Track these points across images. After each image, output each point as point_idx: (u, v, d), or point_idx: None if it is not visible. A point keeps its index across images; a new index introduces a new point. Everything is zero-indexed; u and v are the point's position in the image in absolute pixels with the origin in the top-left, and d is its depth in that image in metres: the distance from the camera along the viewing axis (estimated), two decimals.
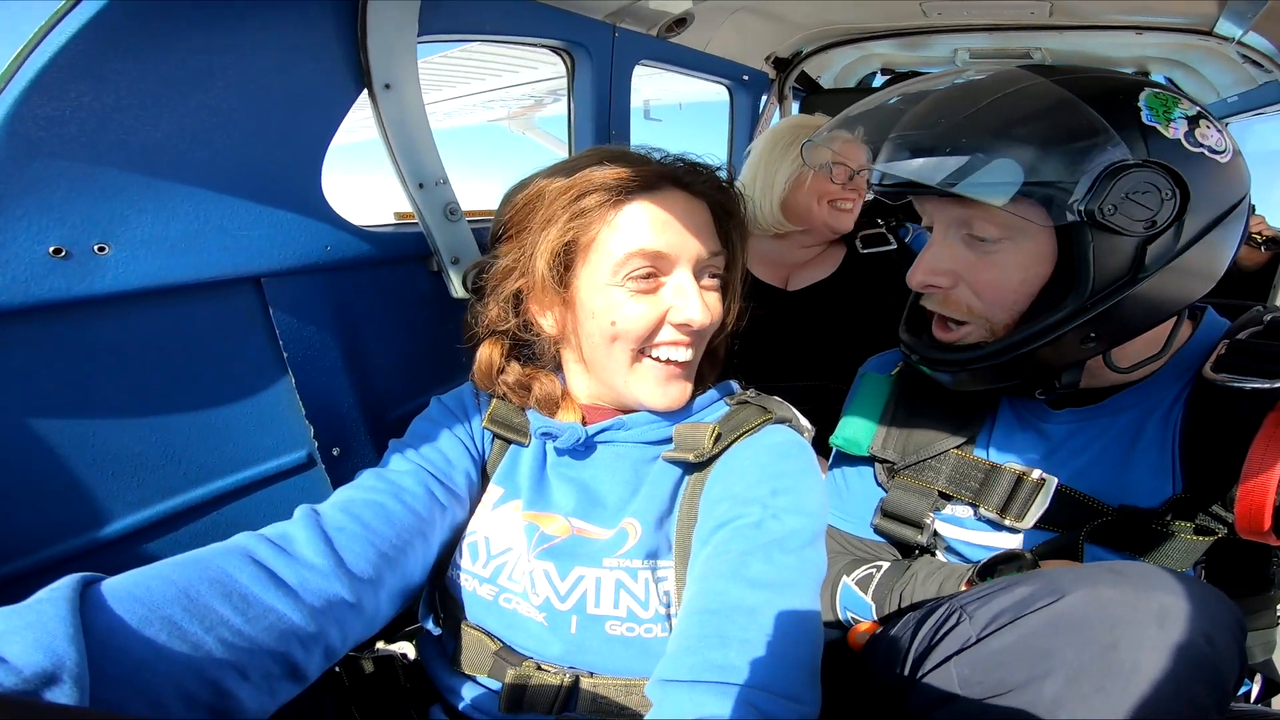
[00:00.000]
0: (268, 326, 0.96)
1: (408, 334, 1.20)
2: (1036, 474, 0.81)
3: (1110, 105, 0.68)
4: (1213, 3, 1.45)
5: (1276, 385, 0.68)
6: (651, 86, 1.81)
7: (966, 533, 0.88)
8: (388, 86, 1.06)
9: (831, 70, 2.62)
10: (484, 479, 0.89)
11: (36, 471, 0.78)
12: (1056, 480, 0.80)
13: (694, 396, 0.86)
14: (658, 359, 0.81)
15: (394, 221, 1.26)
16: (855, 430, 0.96)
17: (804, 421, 0.88)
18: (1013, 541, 0.84)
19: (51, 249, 0.73)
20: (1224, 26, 1.57)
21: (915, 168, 0.72)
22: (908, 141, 0.74)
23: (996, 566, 0.77)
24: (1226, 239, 0.72)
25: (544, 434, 0.86)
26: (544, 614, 0.78)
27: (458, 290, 1.24)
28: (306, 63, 0.94)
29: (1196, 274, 0.71)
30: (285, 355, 0.98)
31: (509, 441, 0.89)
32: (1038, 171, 0.67)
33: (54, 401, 0.78)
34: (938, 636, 0.63)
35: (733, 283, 0.87)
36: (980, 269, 0.76)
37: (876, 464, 0.96)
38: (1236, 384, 0.70)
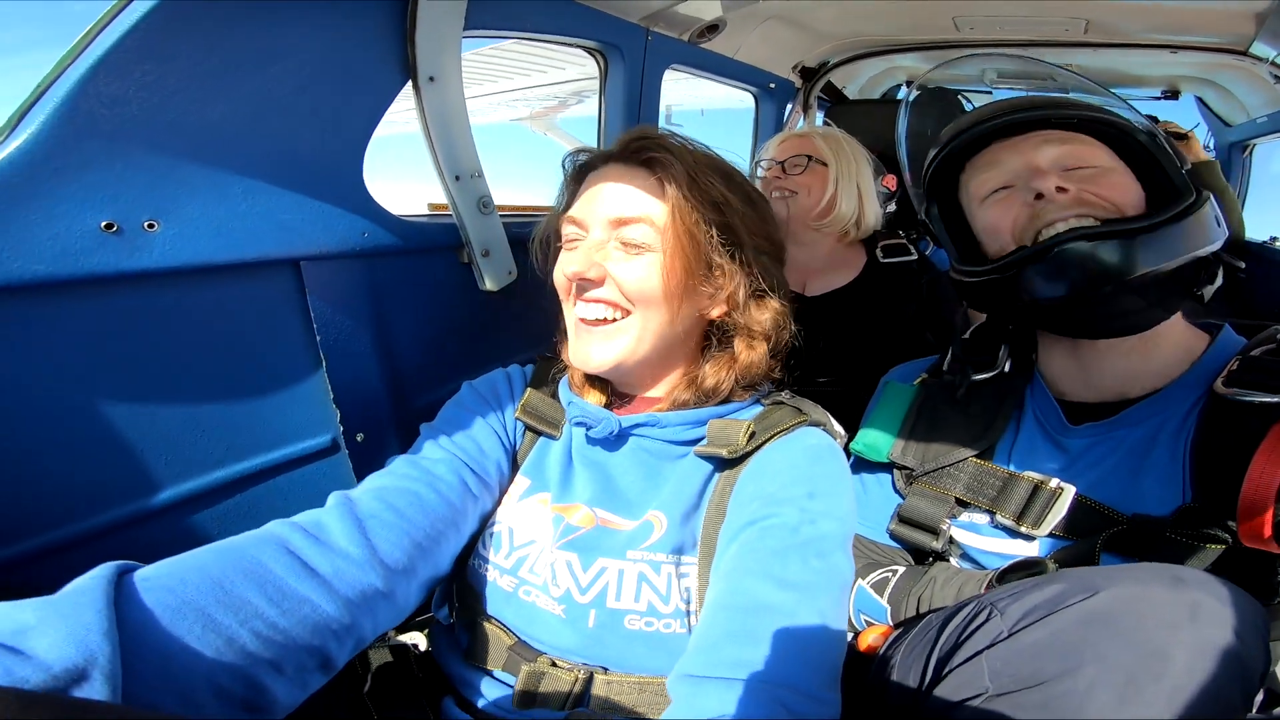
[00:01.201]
0: (304, 309, 0.98)
1: (435, 323, 1.22)
2: (1054, 483, 0.82)
3: None
4: (1250, 22, 1.46)
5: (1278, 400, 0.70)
6: (675, 92, 1.84)
7: (982, 539, 0.88)
8: (432, 79, 1.08)
9: (857, 81, 2.65)
10: (513, 469, 0.90)
11: (75, 442, 0.79)
12: (1074, 489, 0.81)
13: (698, 394, 0.85)
14: (575, 316, 0.85)
15: (428, 212, 1.27)
16: (875, 437, 0.98)
17: (837, 426, 0.89)
18: (1028, 549, 0.84)
19: (103, 224, 0.75)
20: (1259, 47, 1.58)
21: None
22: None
23: (1015, 573, 0.78)
24: None
25: (579, 422, 0.87)
26: (563, 606, 0.78)
27: (487, 282, 1.26)
28: (356, 52, 0.97)
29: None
30: (319, 339, 0.99)
31: (539, 433, 0.90)
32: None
33: (95, 373, 0.79)
34: (967, 632, 0.64)
35: (669, 242, 0.80)
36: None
37: (895, 470, 0.97)
38: (1245, 398, 0.72)
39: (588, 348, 0.84)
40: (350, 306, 1.04)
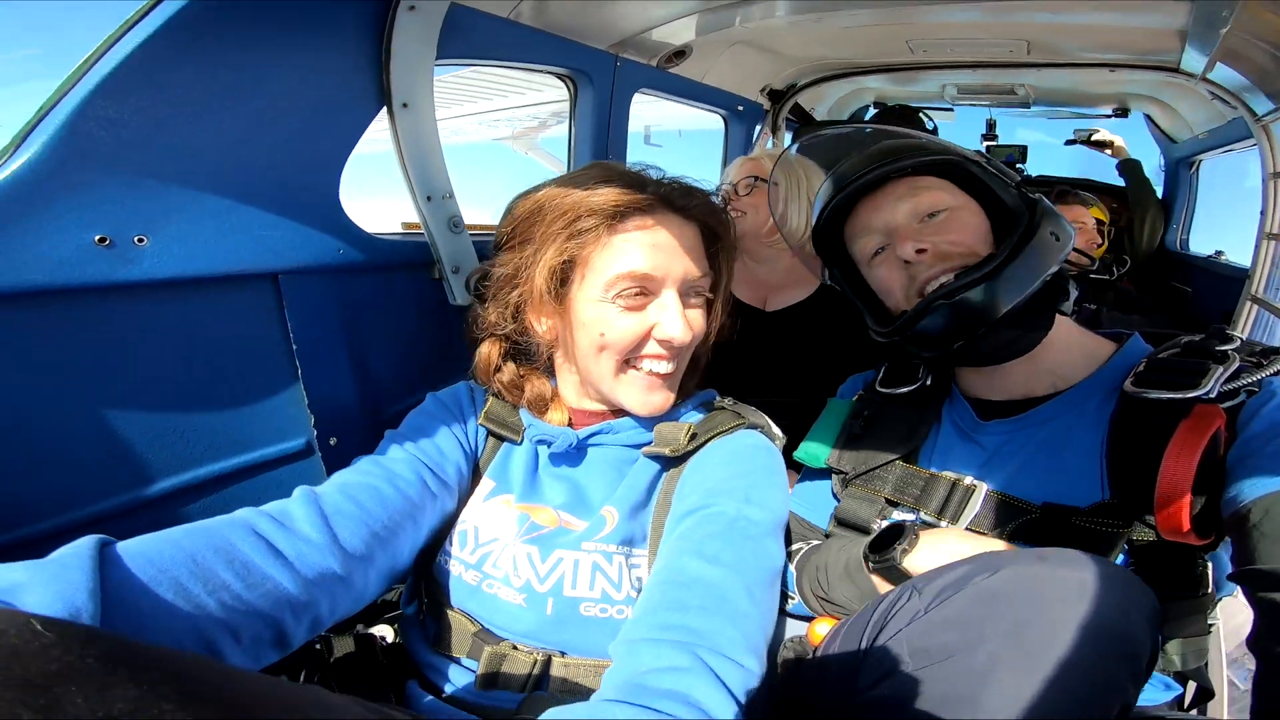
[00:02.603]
0: (281, 320, 1.06)
1: (408, 336, 1.30)
2: (969, 480, 0.92)
3: None
4: (1174, 38, 1.59)
5: (1184, 396, 0.77)
6: (653, 112, 1.95)
7: None
8: (405, 105, 1.17)
9: (825, 103, 2.79)
10: (475, 473, 0.97)
11: (67, 439, 0.86)
12: (987, 486, 0.90)
13: (677, 403, 0.95)
14: (641, 370, 0.89)
15: (401, 230, 1.36)
16: (815, 446, 1.08)
17: (775, 430, 0.98)
18: None
19: (97, 237, 0.83)
20: (1188, 62, 1.71)
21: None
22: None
23: (887, 537, 0.86)
24: None
25: (538, 440, 0.95)
26: (523, 595, 0.85)
27: (457, 297, 1.34)
28: (334, 80, 1.07)
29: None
30: (295, 348, 1.07)
31: (502, 439, 0.98)
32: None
33: (83, 377, 0.87)
34: (892, 612, 0.70)
35: (718, 300, 0.97)
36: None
37: (834, 476, 1.07)
38: (1152, 395, 0.80)
39: (655, 398, 0.91)
40: (325, 318, 1.12)
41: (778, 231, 1.58)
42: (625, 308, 0.85)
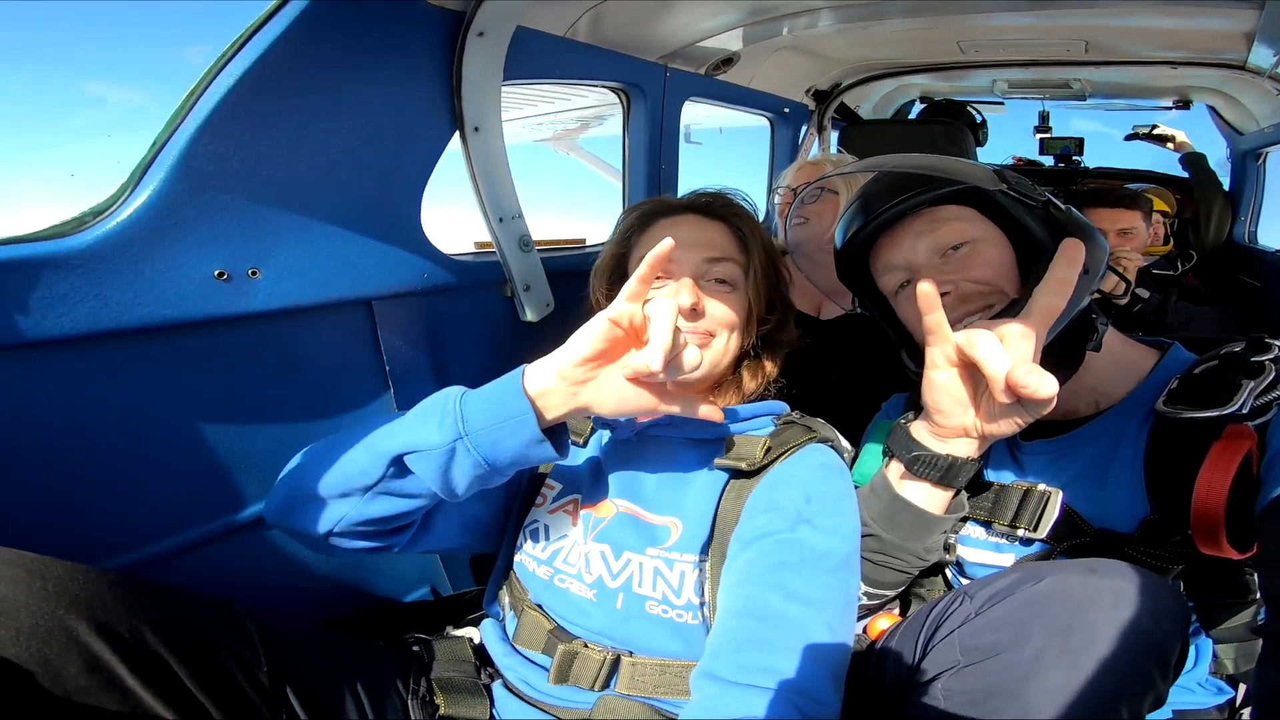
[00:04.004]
0: (375, 343, 1.14)
1: (482, 352, 1.37)
2: (1041, 487, 0.93)
3: None
4: (1241, 38, 1.58)
5: (1215, 415, 0.79)
6: (693, 111, 2.01)
7: (972, 551, 1.00)
8: (477, 129, 1.24)
9: (870, 100, 2.80)
10: (535, 475, 1.05)
11: (181, 462, 0.94)
12: (1061, 492, 0.91)
13: (736, 402, 1.01)
14: None
15: (474, 250, 1.43)
16: (866, 468, 1.09)
17: (844, 443, 1.02)
18: (1005, 560, 0.96)
19: (216, 272, 0.91)
20: (1255, 59, 1.70)
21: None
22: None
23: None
24: None
25: (603, 425, 1.01)
26: (594, 590, 0.91)
27: (528, 314, 1.41)
28: (410, 105, 1.14)
29: None
30: (388, 369, 1.15)
31: None
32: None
33: (201, 401, 0.95)
34: (945, 615, 0.77)
35: (750, 288, 1.03)
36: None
37: None
38: (1185, 415, 0.81)
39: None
40: (413, 339, 1.19)
41: None
42: (656, 290, 0.98)
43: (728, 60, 1.92)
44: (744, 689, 0.71)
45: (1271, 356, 0.82)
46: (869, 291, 1.08)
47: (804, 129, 2.52)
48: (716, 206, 1.05)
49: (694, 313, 0.95)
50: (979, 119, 2.93)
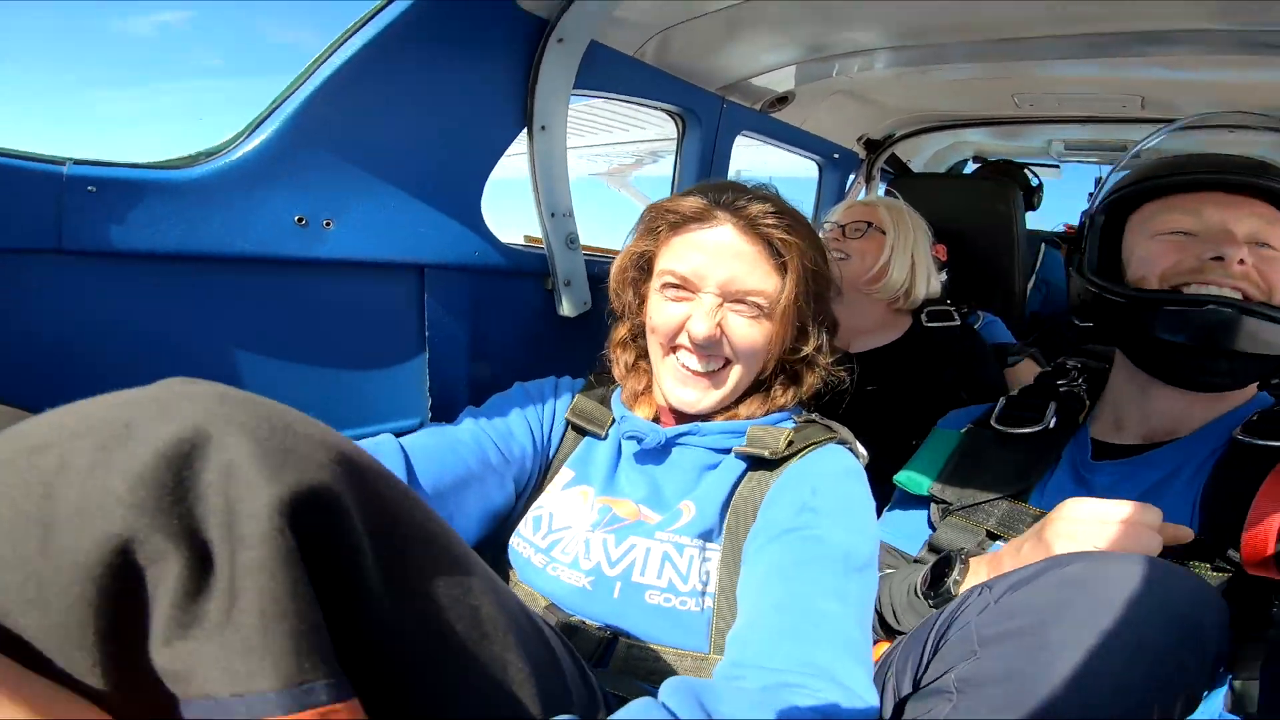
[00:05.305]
0: (420, 308, 1.22)
1: (519, 338, 1.45)
2: None
3: None
4: None
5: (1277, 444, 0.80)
6: (745, 156, 2.11)
7: None
8: (543, 128, 1.35)
9: (922, 155, 2.88)
10: (549, 462, 1.08)
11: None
12: None
13: (768, 411, 1.03)
14: (676, 359, 1.00)
15: (523, 242, 1.53)
16: (918, 473, 1.12)
17: (860, 448, 1.03)
18: None
19: (297, 218, 1.01)
20: None
21: None
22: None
23: (944, 567, 0.89)
24: None
25: (628, 435, 1.03)
26: (590, 578, 0.91)
27: (565, 308, 1.48)
28: (488, 99, 1.26)
29: None
30: (428, 335, 1.23)
31: (585, 433, 1.08)
32: None
33: (259, 339, 1.03)
34: (960, 609, 0.74)
35: (780, 312, 0.97)
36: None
37: (933, 504, 1.10)
38: (1261, 443, 0.82)
39: (688, 393, 0.99)
40: (457, 312, 1.27)
41: (879, 280, 1.65)
42: (669, 299, 0.99)
43: (783, 99, 2.03)
44: (784, 685, 0.70)
45: None
46: (1113, 211, 1.04)
47: (852, 177, 2.60)
48: (759, 219, 0.96)
49: (710, 341, 0.95)
50: (1035, 182, 2.97)
